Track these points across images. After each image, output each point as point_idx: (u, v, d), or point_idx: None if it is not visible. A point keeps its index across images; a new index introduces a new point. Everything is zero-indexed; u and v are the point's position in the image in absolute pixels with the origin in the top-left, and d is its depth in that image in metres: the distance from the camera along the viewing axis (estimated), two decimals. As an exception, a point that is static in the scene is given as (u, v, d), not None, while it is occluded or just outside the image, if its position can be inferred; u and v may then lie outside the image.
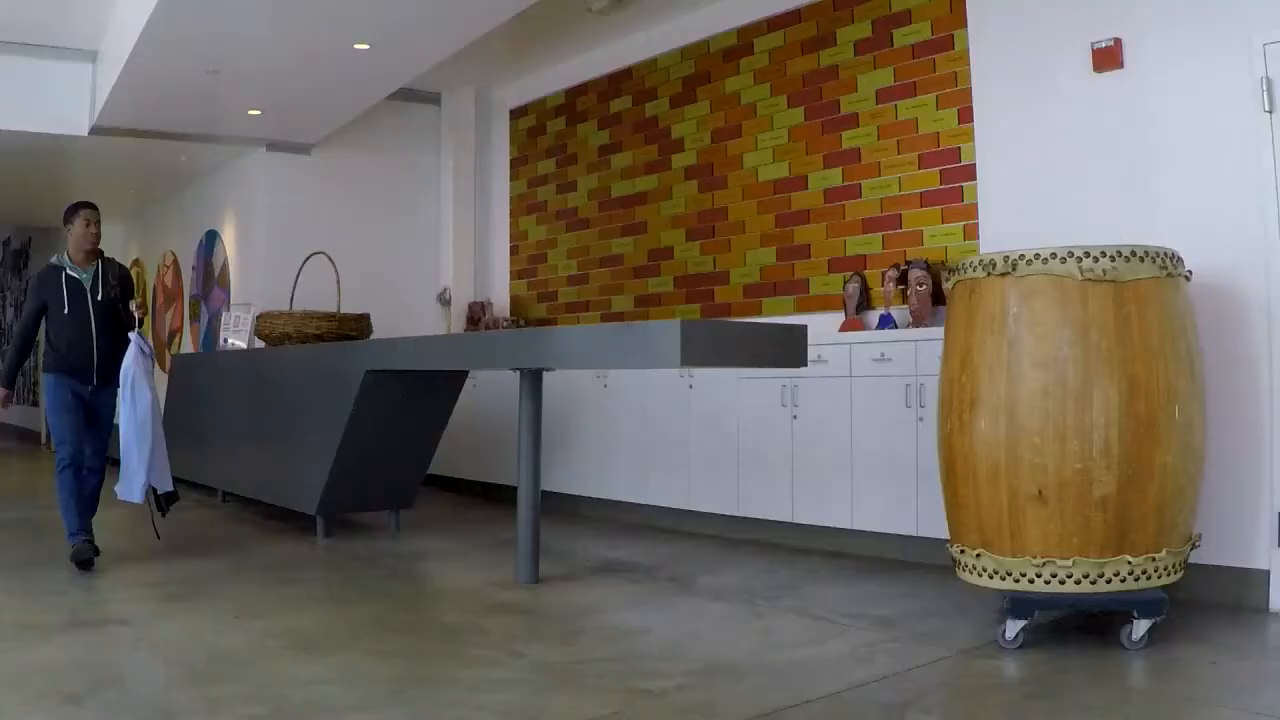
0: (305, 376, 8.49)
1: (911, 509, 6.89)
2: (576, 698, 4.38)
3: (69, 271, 7.16)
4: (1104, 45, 6.46)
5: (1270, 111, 5.78)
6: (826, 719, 4.15)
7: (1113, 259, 4.93)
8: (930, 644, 5.14)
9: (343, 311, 9.24)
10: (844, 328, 7.83)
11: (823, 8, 8.44)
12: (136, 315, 7.30)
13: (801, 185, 8.49)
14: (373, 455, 7.94)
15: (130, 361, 7.05)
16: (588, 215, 10.74)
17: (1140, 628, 4.99)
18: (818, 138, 8.40)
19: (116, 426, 7.24)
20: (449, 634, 5.48)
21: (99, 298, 7.18)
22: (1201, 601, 5.76)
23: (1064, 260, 4.92)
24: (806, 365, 5.88)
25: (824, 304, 8.31)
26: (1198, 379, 5.19)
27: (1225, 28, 5.96)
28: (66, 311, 7.09)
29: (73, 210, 7.28)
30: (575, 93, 11.00)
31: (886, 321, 7.56)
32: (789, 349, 5.76)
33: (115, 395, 7.23)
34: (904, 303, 7.50)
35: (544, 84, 11.44)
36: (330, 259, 9.32)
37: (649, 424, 8.74)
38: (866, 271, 7.97)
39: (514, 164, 11.98)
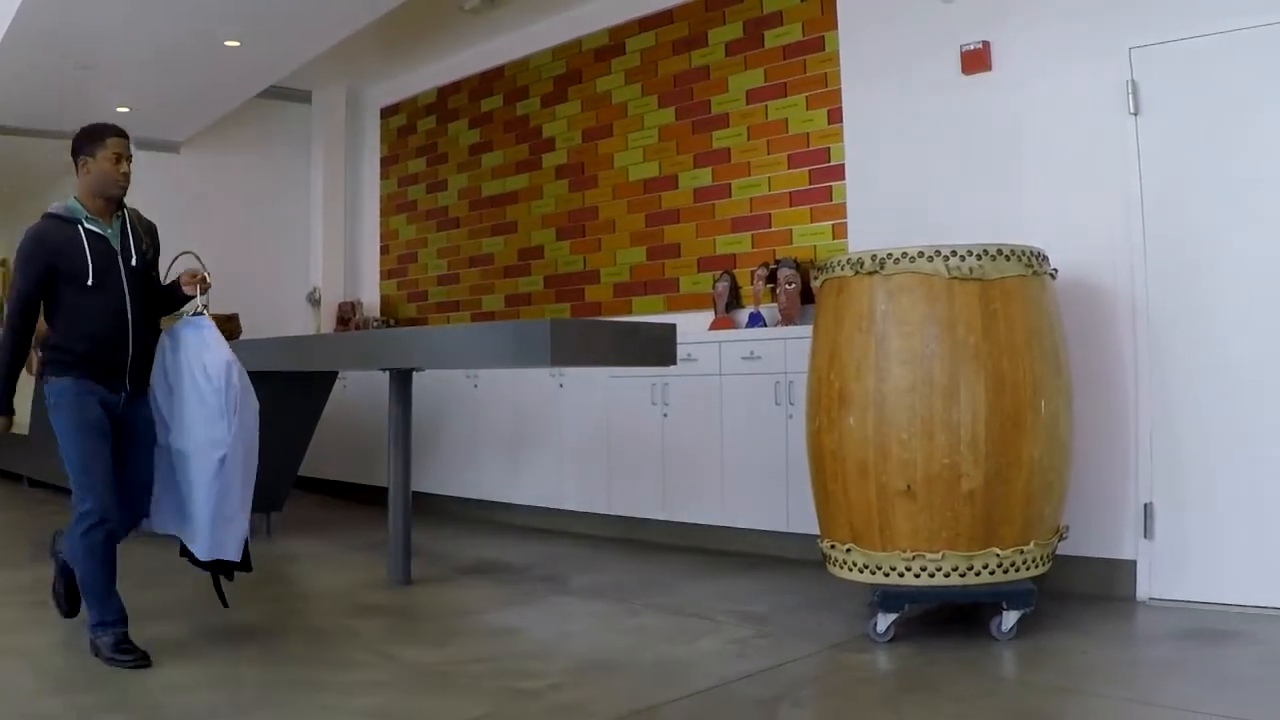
0: (172, 378, 8.30)
1: (782, 505, 6.93)
2: (450, 699, 4.36)
3: (88, 225, 5.05)
4: (973, 48, 6.55)
5: (1136, 114, 5.91)
6: (700, 715, 4.16)
7: (979, 257, 5.00)
8: (802, 639, 5.17)
9: (211, 312, 9.08)
10: (714, 326, 7.86)
11: (694, 9, 8.46)
12: (201, 285, 5.43)
13: (672, 185, 8.50)
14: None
15: (226, 353, 5.28)
16: (458, 214, 10.67)
17: (1010, 619, 5.08)
18: (688, 137, 8.42)
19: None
20: (321, 637, 5.42)
21: (133, 264, 5.17)
22: (1071, 592, 5.87)
23: (931, 259, 4.99)
24: (676, 364, 5.90)
25: (694, 303, 8.32)
26: (1064, 374, 5.29)
27: (1092, 32, 6.08)
28: (91, 283, 4.97)
29: (94, 136, 5.13)
30: (447, 91, 10.92)
31: (756, 320, 7.59)
32: (659, 348, 5.77)
33: (149, 408, 5.20)
34: (773, 301, 7.53)
35: (416, 82, 11.35)
36: (198, 258, 9.14)
37: (520, 423, 8.71)
38: (736, 270, 8.00)
39: (385, 163, 11.87)
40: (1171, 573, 5.75)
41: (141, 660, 4.72)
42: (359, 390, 9.80)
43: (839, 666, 4.83)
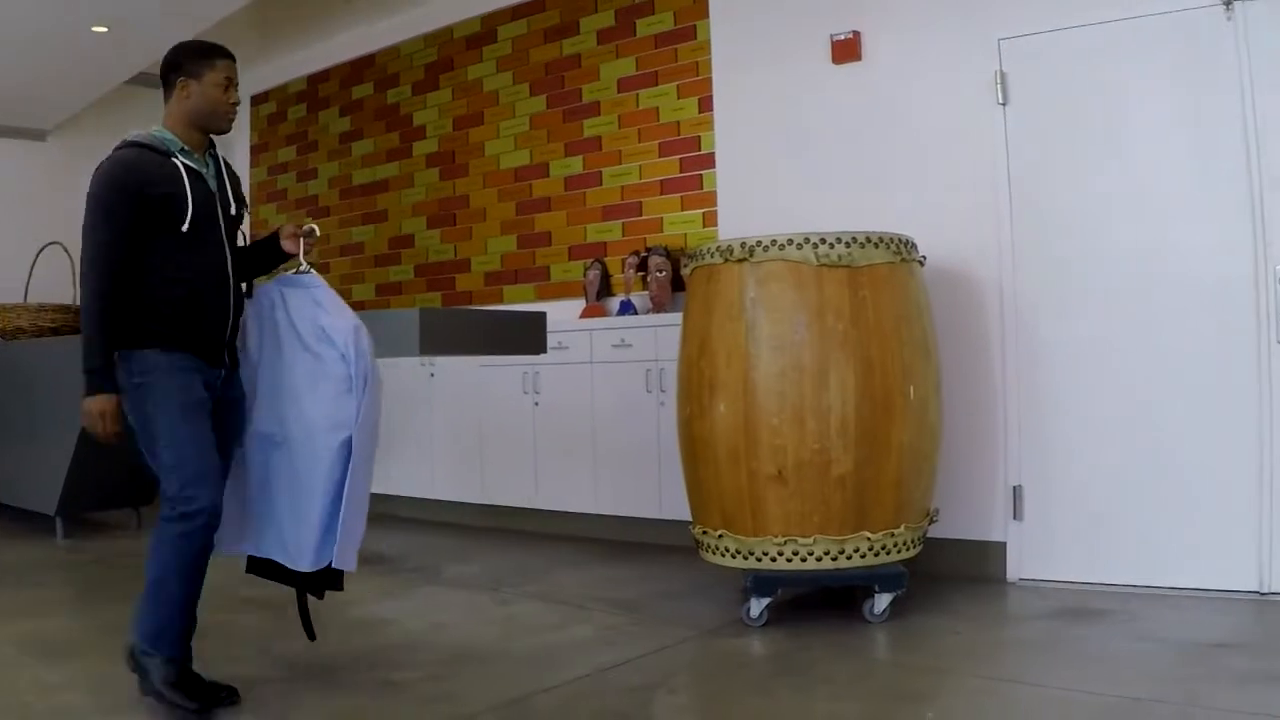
0: (40, 371, 8.12)
1: (654, 492, 6.96)
2: (325, 692, 4.31)
3: (183, 159, 4.12)
4: (843, 38, 6.60)
5: (1004, 104, 6.00)
6: (574, 703, 4.16)
7: (848, 245, 5.05)
8: (676, 625, 5.19)
9: (79, 304, 8.91)
10: (585, 314, 7.84)
11: (566, -4, 8.46)
12: (308, 238, 4.40)
13: (543, 173, 8.47)
14: (112, 452, 7.68)
15: (351, 315, 4.30)
16: (329, 203, 10.52)
17: (882, 601, 5.14)
18: (559, 126, 8.39)
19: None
20: (197, 633, 5.34)
21: (231, 213, 4.29)
22: (943, 574, 5.95)
23: (800, 246, 5.02)
24: (547, 352, 5.87)
25: (565, 291, 8.30)
26: (932, 360, 5.36)
27: (962, 23, 6.18)
28: (187, 230, 4.04)
29: (202, 53, 4.24)
30: (317, 79, 10.77)
31: (627, 308, 7.59)
32: (529, 336, 5.74)
33: (241, 389, 4.30)
34: (644, 289, 7.55)
35: (287, 70, 11.17)
36: (66, 250, 8.97)
37: (391, 413, 8.56)
38: (607, 258, 7.99)
39: (254, 151, 11.68)
40: (1041, 553, 5.87)
41: (204, 706, 4.00)
42: (229, 382, 9.64)
43: (713, 652, 4.85)
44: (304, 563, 4.18)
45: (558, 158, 8.37)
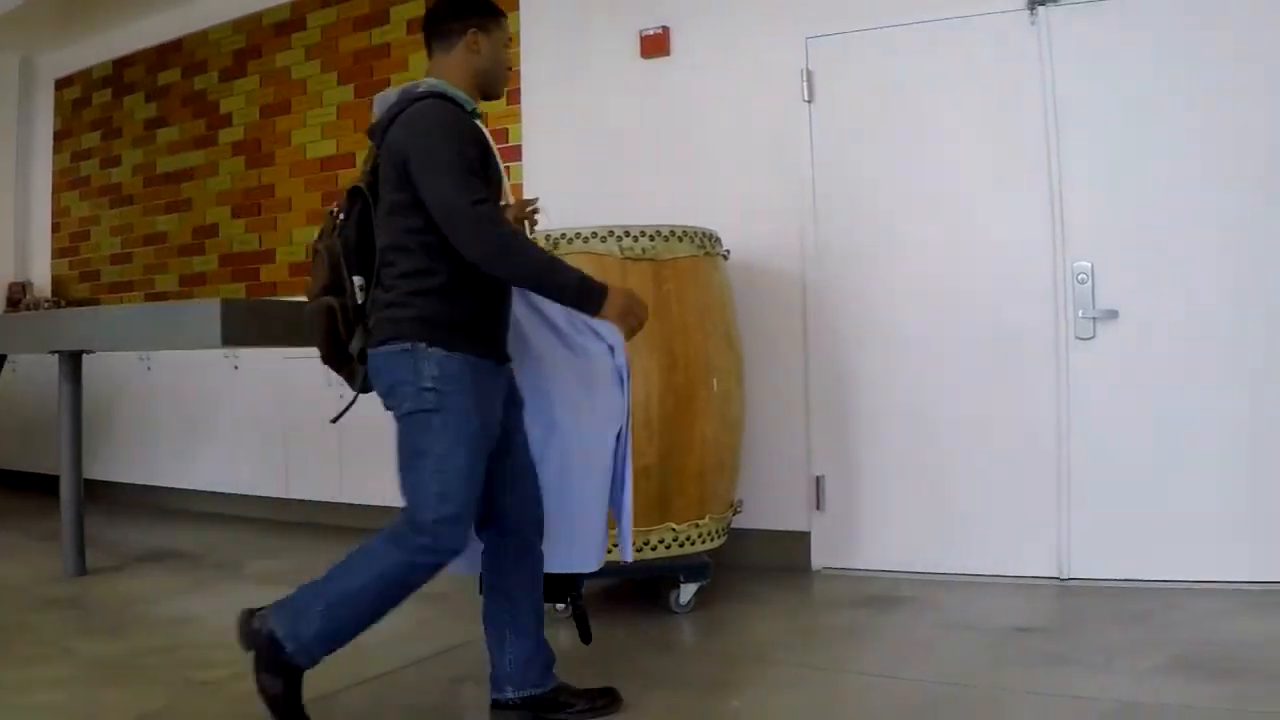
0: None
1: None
2: (130, 692, 4.22)
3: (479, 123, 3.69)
4: (652, 32, 6.64)
5: (810, 101, 6.13)
6: (386, 696, 4.18)
7: (652, 238, 5.09)
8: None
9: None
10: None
11: (376, -16, 8.37)
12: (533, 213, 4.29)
13: (349, 163, 8.34)
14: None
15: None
16: (132, 191, 10.24)
17: (687, 591, 5.21)
18: (367, 116, 8.19)
19: None
20: None
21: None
22: (748, 564, 6.04)
23: (604, 239, 5.06)
24: (350, 344, 5.82)
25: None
26: (736, 352, 5.45)
27: (771, 21, 6.28)
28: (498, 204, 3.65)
29: (492, 6, 3.89)
30: (123, 64, 10.47)
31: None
32: (332, 328, 5.69)
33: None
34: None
35: (92, 54, 10.83)
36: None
37: (195, 406, 8.49)
38: (416, 251, 7.90)
39: (58, 137, 11.32)
40: (843, 543, 6.02)
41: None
42: (29, 375, 9.38)
43: (521, 644, 4.85)
44: (593, 562, 3.97)
45: (364, 148, 8.24)
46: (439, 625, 5.09)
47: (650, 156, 6.62)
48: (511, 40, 3.96)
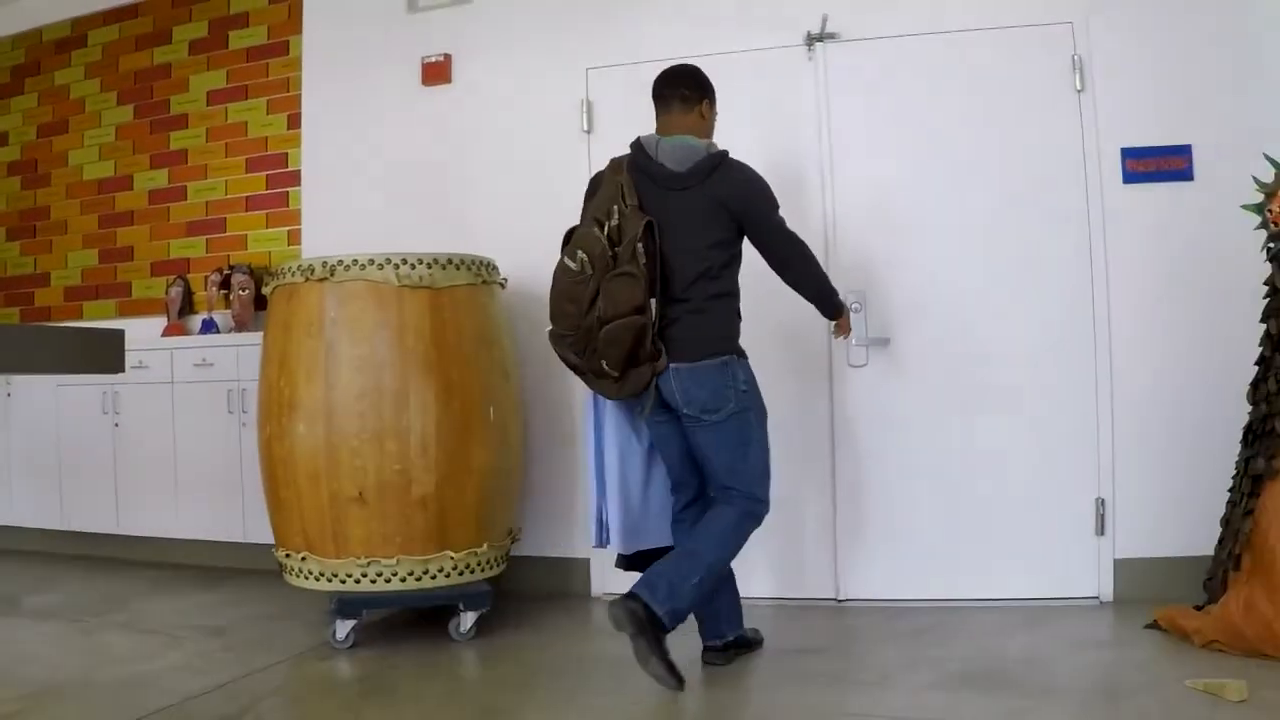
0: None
1: (238, 515, 6.80)
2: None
3: None
4: (434, 60, 6.61)
5: (589, 132, 6.16)
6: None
7: (429, 266, 5.08)
8: (263, 650, 5.10)
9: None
10: (167, 332, 7.61)
11: (160, 4, 8.14)
12: None
13: (127, 185, 8.17)
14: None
15: None
16: (-97, 212, 9.94)
17: (467, 620, 5.20)
18: (146, 137, 8.11)
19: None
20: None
21: None
22: (529, 592, 6.07)
23: (382, 267, 5.02)
24: (125, 370, 5.66)
25: (147, 308, 8.00)
26: (513, 381, 5.47)
27: (552, 51, 6.34)
28: None
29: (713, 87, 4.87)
30: (-109, 79, 10.16)
31: (209, 326, 7.44)
32: (105, 354, 5.48)
33: None
34: (227, 308, 7.40)
35: None
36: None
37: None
38: (190, 275, 7.79)
39: None
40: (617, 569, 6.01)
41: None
42: None
43: (301, 676, 4.80)
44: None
45: (143, 170, 8.10)
46: (215, 659, 4.99)
47: (430, 184, 6.58)
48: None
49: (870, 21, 5.82)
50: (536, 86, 6.36)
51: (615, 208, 4.39)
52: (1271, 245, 4.76)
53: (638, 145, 4.61)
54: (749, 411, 4.50)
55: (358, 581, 5.01)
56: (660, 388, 4.42)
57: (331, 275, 5.02)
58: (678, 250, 4.38)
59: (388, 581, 5.00)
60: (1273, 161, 4.77)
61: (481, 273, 5.31)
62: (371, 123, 6.83)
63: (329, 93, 7.03)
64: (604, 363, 4.35)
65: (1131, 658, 4.64)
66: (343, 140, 6.94)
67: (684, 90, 4.71)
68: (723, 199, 4.44)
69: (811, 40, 5.83)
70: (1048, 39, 5.66)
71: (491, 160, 6.44)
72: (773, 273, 4.65)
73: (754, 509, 4.51)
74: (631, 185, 4.46)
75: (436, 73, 6.62)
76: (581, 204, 4.65)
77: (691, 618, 4.50)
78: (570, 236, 4.49)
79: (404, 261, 5.05)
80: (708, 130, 4.71)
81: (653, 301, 4.30)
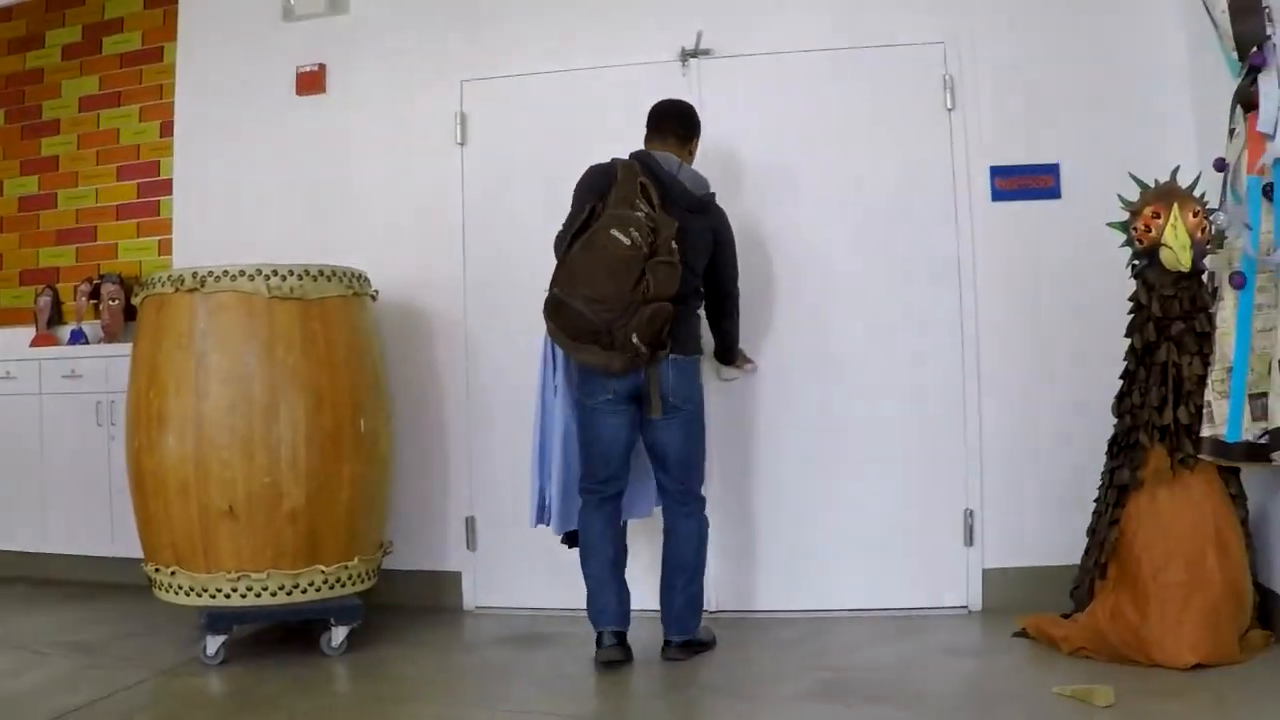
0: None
1: (106, 529, 6.67)
2: None
3: None
4: (309, 70, 6.56)
5: (463, 144, 6.17)
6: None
7: (300, 277, 5.05)
8: (133, 667, 5.01)
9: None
10: (35, 343, 7.45)
11: (35, 7, 7.98)
12: None
13: (-4, 191, 8.07)
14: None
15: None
16: None
17: (339, 634, 5.16)
18: (16, 143, 7.93)
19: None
20: None
21: None
22: (401, 605, 6.02)
23: (252, 278, 4.98)
24: (-12, 381, 5.62)
25: (15, 318, 7.81)
26: (384, 393, 5.46)
27: (427, 62, 6.32)
28: None
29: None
30: None
31: (78, 337, 7.30)
32: (-33, 365, 5.48)
33: None
34: (96, 318, 7.28)
35: None
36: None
37: None
38: (59, 285, 7.64)
39: None
40: (495, 582, 6.07)
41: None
42: None
43: (171, 692, 4.73)
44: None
45: (12, 176, 7.93)
46: (85, 676, 4.89)
47: (304, 194, 6.52)
48: None
49: (745, 39, 5.90)
50: (411, 98, 6.34)
51: (640, 203, 4.71)
52: (1136, 263, 4.89)
53: (650, 158, 4.95)
54: (701, 408, 5.06)
55: (228, 596, 4.96)
56: (652, 378, 4.81)
57: (202, 286, 4.98)
58: (688, 259, 4.83)
59: (258, 596, 4.96)
60: (1138, 181, 4.89)
61: (353, 284, 5.30)
62: (245, 132, 6.74)
63: (203, 101, 6.94)
64: (635, 336, 4.61)
65: (1001, 665, 4.74)
66: (216, 149, 6.84)
67: (688, 126, 5.17)
68: (715, 229, 5.03)
69: (686, 56, 5.89)
70: (920, 58, 5.77)
71: (365, 171, 6.41)
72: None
73: (704, 514, 5.08)
74: (655, 190, 4.78)
75: (311, 82, 6.57)
76: (575, 192, 4.98)
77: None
78: (577, 221, 4.81)
79: (275, 273, 5.02)
80: (692, 163, 5.13)
81: None
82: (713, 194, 5.05)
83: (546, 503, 5.10)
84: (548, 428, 5.07)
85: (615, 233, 4.61)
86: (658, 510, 5.22)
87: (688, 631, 4.98)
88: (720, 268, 5.09)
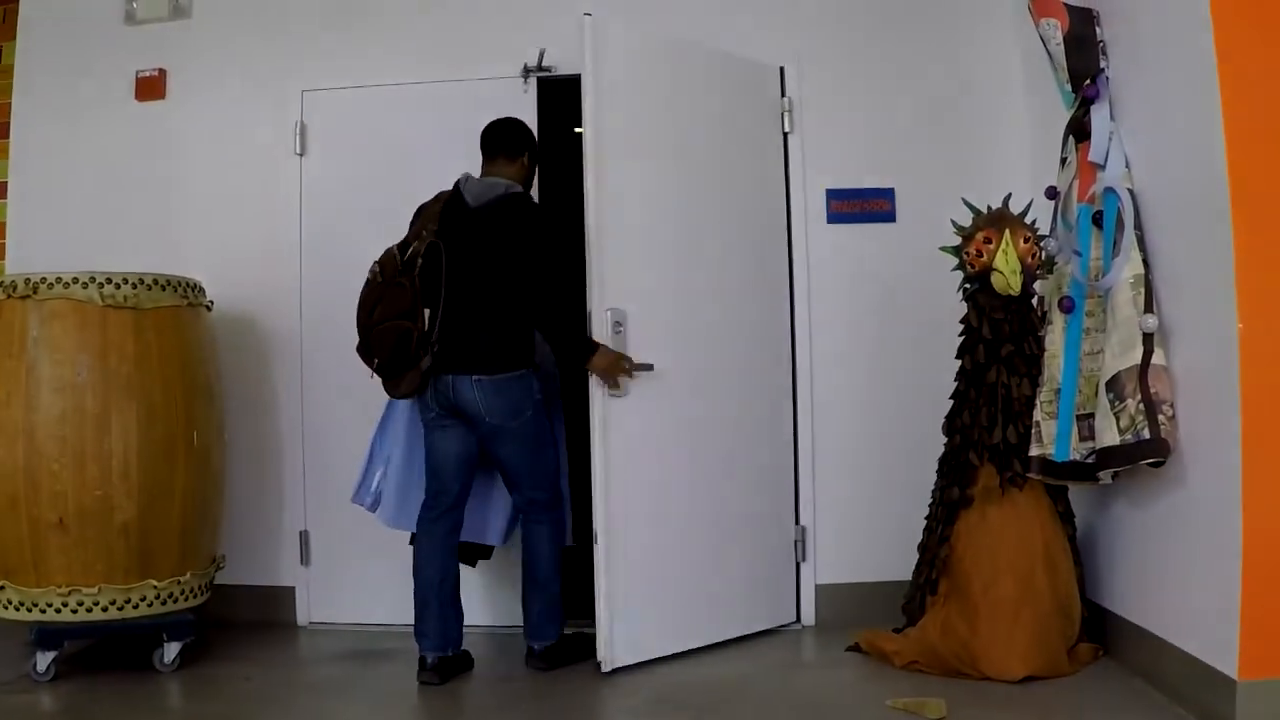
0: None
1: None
2: None
3: None
4: (148, 75, 6.44)
5: (302, 154, 6.13)
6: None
7: (134, 286, 4.99)
8: (-36, 683, 4.90)
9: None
10: None
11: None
12: None
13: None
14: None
15: None
16: None
17: (171, 650, 5.10)
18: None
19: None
20: None
21: None
22: (234, 620, 5.94)
23: (86, 285, 4.91)
24: None
25: None
26: (217, 405, 5.43)
27: (268, 70, 6.26)
28: None
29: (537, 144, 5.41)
30: None
31: (-93, 343, 7.06)
32: None
33: None
34: (-75, 323, 7.05)
35: None
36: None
37: None
38: (-111, 289, 7.40)
39: None
40: (329, 597, 6.03)
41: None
42: None
43: (1, 711, 4.63)
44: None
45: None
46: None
47: (142, 201, 6.38)
48: None
49: (580, 60, 5.84)
50: (251, 106, 6.27)
51: (425, 232, 4.96)
52: (968, 286, 5.03)
53: (462, 181, 5.09)
54: (544, 415, 5.08)
55: (59, 611, 4.87)
56: (460, 398, 4.85)
57: (34, 293, 4.89)
58: (477, 272, 4.90)
59: (89, 611, 4.88)
60: (971, 206, 5.02)
61: (188, 294, 5.25)
62: (84, 136, 6.58)
63: (41, 103, 6.76)
64: (375, 360, 4.88)
65: (835, 679, 4.85)
66: (53, 152, 6.65)
67: (514, 146, 5.16)
68: (509, 230, 4.89)
69: (528, 73, 5.92)
70: (759, 80, 5.84)
71: (203, 178, 6.31)
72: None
73: (556, 505, 5.13)
74: (441, 212, 4.98)
75: (151, 87, 6.45)
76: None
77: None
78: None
79: (109, 281, 4.95)
80: (525, 178, 5.16)
81: (426, 311, 4.90)
82: (503, 195, 4.93)
83: (374, 486, 5.29)
84: (392, 418, 5.30)
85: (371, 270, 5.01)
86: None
87: (547, 638, 5.04)
88: (524, 269, 4.85)
